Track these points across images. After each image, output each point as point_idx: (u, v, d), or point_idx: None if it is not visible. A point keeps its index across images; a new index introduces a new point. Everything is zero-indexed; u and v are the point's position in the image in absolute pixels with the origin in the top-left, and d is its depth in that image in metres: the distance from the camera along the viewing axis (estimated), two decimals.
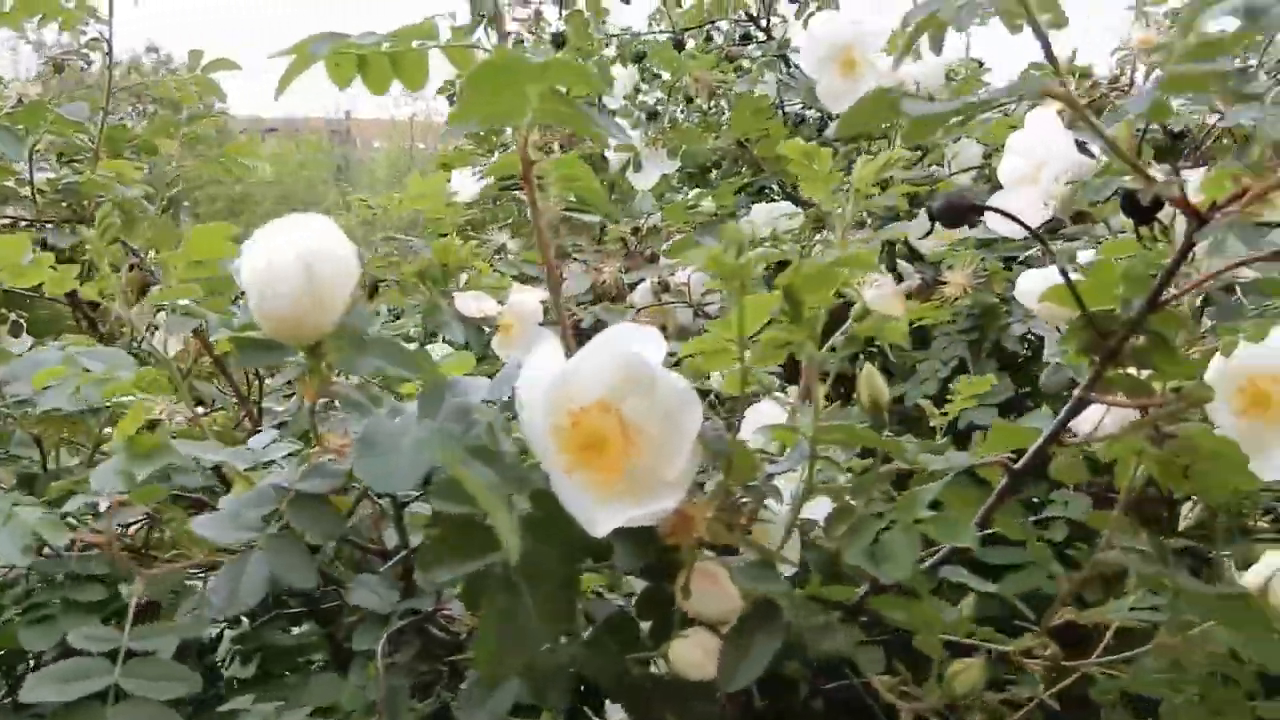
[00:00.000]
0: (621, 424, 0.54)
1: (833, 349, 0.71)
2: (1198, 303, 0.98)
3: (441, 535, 0.49)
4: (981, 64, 1.71)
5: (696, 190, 1.51)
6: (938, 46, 0.50)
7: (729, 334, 0.54)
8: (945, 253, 1.35)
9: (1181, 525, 1.24)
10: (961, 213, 0.58)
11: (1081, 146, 1.02)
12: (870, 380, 0.66)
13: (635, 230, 1.70)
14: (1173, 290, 0.55)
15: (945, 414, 0.94)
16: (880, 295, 0.74)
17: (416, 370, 0.54)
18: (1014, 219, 0.57)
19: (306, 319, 0.46)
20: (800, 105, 1.54)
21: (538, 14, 1.71)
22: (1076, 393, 0.60)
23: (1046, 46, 0.51)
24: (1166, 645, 0.71)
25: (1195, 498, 1.28)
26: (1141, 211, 0.55)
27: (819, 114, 1.55)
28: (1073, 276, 0.60)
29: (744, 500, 0.60)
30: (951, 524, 0.51)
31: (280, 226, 0.47)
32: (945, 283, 1.24)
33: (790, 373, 0.81)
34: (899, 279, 1.58)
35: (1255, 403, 0.68)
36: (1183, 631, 0.70)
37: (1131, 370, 0.62)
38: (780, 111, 1.55)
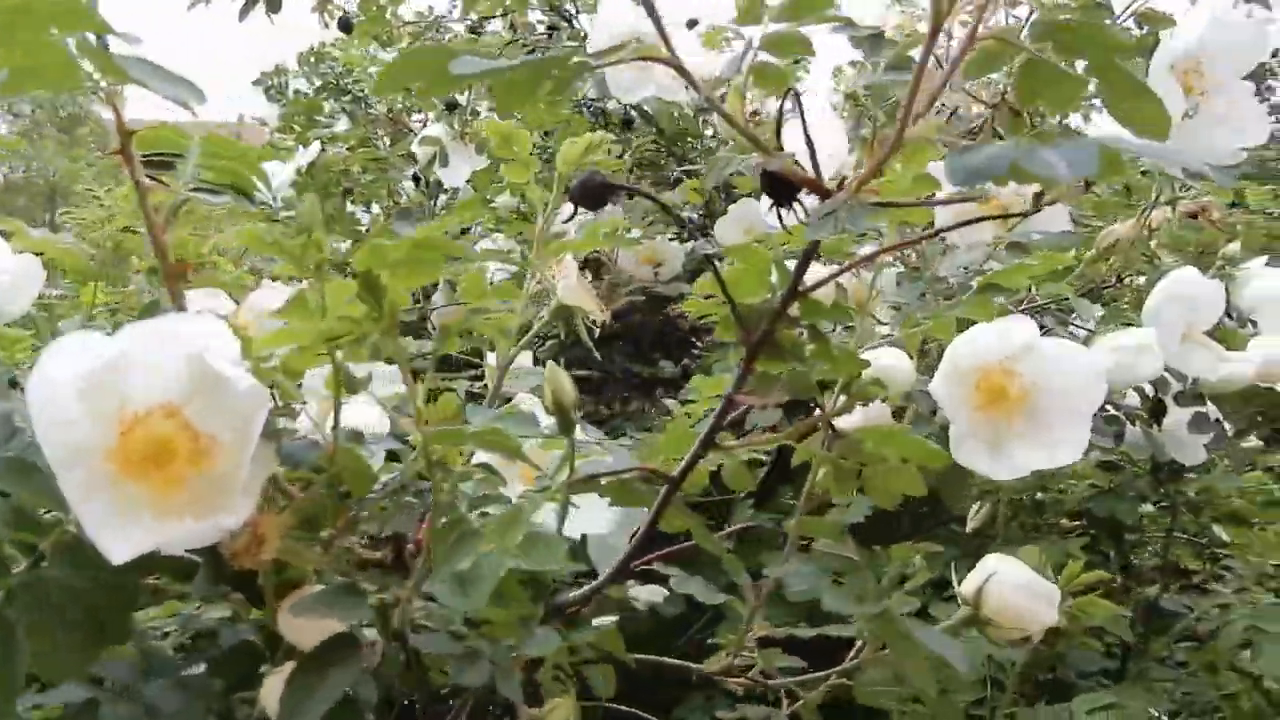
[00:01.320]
0: (189, 430, 0.47)
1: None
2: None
3: None
4: (798, 61, 1.68)
5: (494, 184, 1.45)
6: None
7: (311, 324, 0.47)
8: None
9: (970, 525, 1.23)
10: (596, 192, 0.52)
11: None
12: (554, 379, 0.60)
13: (464, 231, 1.63)
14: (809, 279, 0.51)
15: (689, 415, 0.89)
16: (568, 287, 0.69)
17: None
18: (649, 195, 0.52)
19: None
20: (602, 99, 1.49)
21: None
22: (725, 392, 0.55)
23: (651, 10, 0.46)
24: (869, 658, 0.68)
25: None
26: (778, 191, 0.50)
27: (623, 106, 1.50)
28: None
29: (364, 515, 0.54)
30: (545, 547, 0.45)
31: None
32: None
33: None
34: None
35: (992, 398, 0.64)
36: (879, 645, 0.66)
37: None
38: (584, 106, 1.50)
